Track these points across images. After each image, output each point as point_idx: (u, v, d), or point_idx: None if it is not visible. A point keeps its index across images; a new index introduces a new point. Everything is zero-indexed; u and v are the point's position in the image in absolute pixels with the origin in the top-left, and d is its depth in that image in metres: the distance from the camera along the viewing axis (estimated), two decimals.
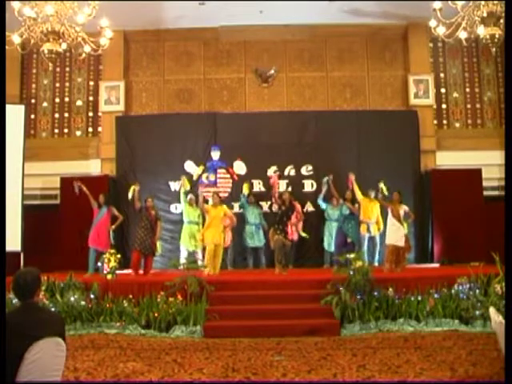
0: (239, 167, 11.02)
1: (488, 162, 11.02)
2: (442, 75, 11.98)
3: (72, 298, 7.19)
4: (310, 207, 10.93)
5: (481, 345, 5.90)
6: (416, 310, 7.00)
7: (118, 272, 8.31)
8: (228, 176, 11.01)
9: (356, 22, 11.48)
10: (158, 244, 9.61)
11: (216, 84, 12.00)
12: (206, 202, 9.56)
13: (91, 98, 12.00)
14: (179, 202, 10.37)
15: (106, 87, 11.68)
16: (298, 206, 10.12)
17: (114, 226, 9.68)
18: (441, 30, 7.23)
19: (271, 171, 10.94)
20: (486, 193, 10.97)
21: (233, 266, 10.46)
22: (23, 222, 10.11)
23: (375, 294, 7.11)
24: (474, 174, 10.92)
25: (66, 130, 11.94)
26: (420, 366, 5.04)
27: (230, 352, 5.83)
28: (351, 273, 7.27)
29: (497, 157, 10.78)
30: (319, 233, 10.53)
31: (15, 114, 10.19)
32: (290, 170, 11.07)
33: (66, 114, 11.98)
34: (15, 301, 6.35)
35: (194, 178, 10.87)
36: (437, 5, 6.92)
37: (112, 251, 8.46)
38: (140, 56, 12.14)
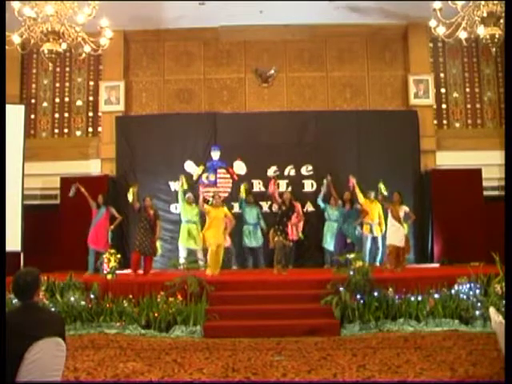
0: (239, 167, 11.02)
1: (488, 162, 11.01)
2: (442, 75, 11.98)
3: (72, 298, 7.20)
4: (309, 207, 10.92)
5: (481, 345, 5.91)
6: (416, 310, 7.01)
7: (117, 272, 8.32)
8: (228, 176, 11.00)
9: (356, 22, 11.48)
10: (158, 244, 9.61)
11: (216, 84, 12.00)
12: (207, 202, 9.55)
13: (91, 98, 11.99)
14: (178, 201, 10.37)
15: (106, 87, 11.67)
16: (299, 207, 10.11)
17: (112, 226, 9.69)
18: (441, 30, 7.23)
19: (271, 171, 10.95)
20: (486, 193, 10.97)
21: (232, 266, 10.45)
22: (23, 222, 10.11)
23: (375, 294, 7.11)
24: (474, 174, 10.91)
25: (66, 130, 11.94)
26: (420, 366, 5.04)
27: (229, 352, 5.83)
28: (351, 273, 7.28)
29: (497, 157, 10.78)
30: (319, 233, 10.51)
31: (15, 114, 10.19)
32: (289, 170, 11.07)
33: (66, 114, 11.97)
34: (15, 301, 6.35)
35: (194, 178, 10.87)
36: (437, 5, 6.92)
37: (112, 251, 8.47)
38: (140, 56, 12.14)
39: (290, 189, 10.77)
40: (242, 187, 10.45)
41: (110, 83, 11.66)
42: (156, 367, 5.22)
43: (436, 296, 7.15)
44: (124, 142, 11.34)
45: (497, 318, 4.30)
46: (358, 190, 9.77)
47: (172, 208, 10.97)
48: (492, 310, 4.68)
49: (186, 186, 10.02)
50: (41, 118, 11.96)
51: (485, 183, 10.96)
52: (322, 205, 10.31)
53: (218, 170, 11.01)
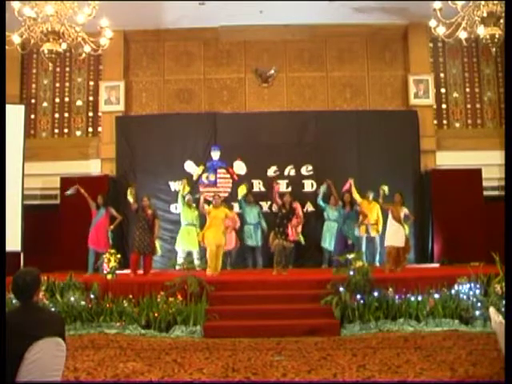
0: (239, 167, 11.02)
1: (488, 162, 11.02)
2: (442, 75, 11.98)
3: (72, 298, 7.19)
4: (310, 207, 10.93)
5: (481, 345, 5.91)
6: (416, 310, 7.00)
7: (117, 272, 8.32)
8: (228, 176, 11.00)
9: (356, 22, 11.48)
10: (158, 244, 9.61)
11: (216, 84, 12.00)
12: (207, 202, 9.56)
13: (91, 98, 12.00)
14: (178, 203, 10.37)
15: (106, 87, 11.68)
16: (299, 209, 10.12)
17: (112, 226, 9.69)
18: (441, 30, 7.23)
19: (271, 171, 10.97)
20: (486, 193, 10.97)
21: (232, 266, 10.44)
22: (23, 222, 10.11)
23: (375, 294, 7.11)
24: (474, 174, 10.92)
25: (66, 130, 11.94)
26: (420, 366, 5.04)
27: (230, 352, 5.83)
28: (351, 273, 7.28)
29: (497, 157, 10.78)
30: (319, 233, 10.51)
31: (15, 114, 10.19)
32: (289, 170, 11.08)
33: (66, 114, 11.97)
34: (15, 301, 6.35)
35: (194, 178, 10.87)
36: (437, 5, 6.92)
37: (112, 251, 8.47)
38: (140, 56, 12.14)
39: (290, 189, 10.78)
40: (240, 189, 10.44)
41: (110, 83, 11.66)
42: (156, 367, 5.22)
43: (436, 296, 7.14)
44: (124, 141, 11.35)
45: (497, 318, 4.30)
46: (354, 191, 9.75)
47: (172, 208, 10.97)
48: (492, 310, 4.68)
49: (187, 190, 10.03)
50: (41, 118, 11.96)
51: (485, 183, 10.96)
52: (322, 204, 10.30)
53: (218, 170, 11.01)
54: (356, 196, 9.77)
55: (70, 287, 7.45)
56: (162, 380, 4.83)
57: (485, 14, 6.66)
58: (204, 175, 10.93)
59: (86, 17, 6.96)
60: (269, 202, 10.77)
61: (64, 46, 7.14)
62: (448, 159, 11.34)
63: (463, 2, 6.88)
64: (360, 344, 6.10)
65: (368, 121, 11.24)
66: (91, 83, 12.04)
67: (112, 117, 11.53)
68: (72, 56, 11.63)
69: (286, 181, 10.97)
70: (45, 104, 11.99)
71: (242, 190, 10.40)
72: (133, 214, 9.50)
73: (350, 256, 7.61)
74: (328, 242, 10.19)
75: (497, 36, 6.69)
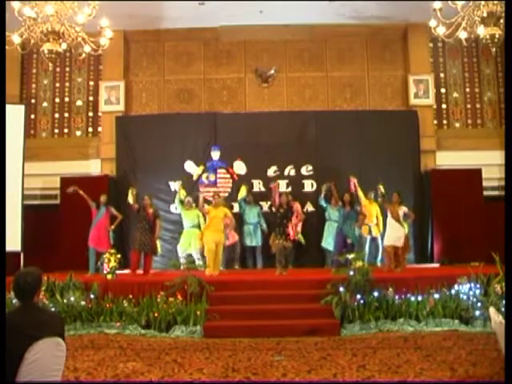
0: (239, 167, 11.02)
1: (488, 162, 11.02)
2: (442, 75, 11.99)
3: (72, 298, 7.19)
4: (310, 207, 10.93)
5: (481, 345, 5.90)
6: (416, 310, 7.00)
7: (118, 272, 8.32)
8: (228, 176, 11.00)
9: (356, 22, 11.49)
10: (158, 243, 9.60)
11: (216, 84, 12.00)
12: (207, 202, 9.56)
13: (91, 98, 12.00)
14: (177, 207, 10.39)
15: (106, 87, 11.68)
16: (298, 206, 10.12)
17: (113, 226, 9.70)
18: (441, 30, 7.22)
19: (271, 171, 10.97)
20: (486, 193, 10.97)
21: (231, 266, 10.43)
22: (23, 222, 10.11)
23: (375, 294, 7.11)
24: (474, 174, 10.92)
25: (66, 130, 11.94)
26: (420, 366, 5.04)
27: (230, 352, 5.83)
28: (351, 273, 7.28)
29: (497, 157, 10.78)
30: (319, 233, 10.52)
31: (15, 114, 10.19)
32: (289, 170, 11.08)
33: (66, 114, 11.98)
34: (15, 301, 6.35)
35: (194, 178, 10.87)
36: (437, 5, 6.92)
37: (112, 251, 8.47)
38: (140, 56, 12.14)
39: (289, 189, 10.78)
40: (241, 190, 10.44)
41: (110, 83, 11.66)
42: (156, 367, 5.22)
43: (436, 296, 7.14)
44: (124, 142, 11.35)
45: (497, 318, 4.30)
46: (359, 191, 9.77)
47: (172, 208, 10.95)
48: (492, 310, 4.69)
49: (183, 194, 10.01)
50: (41, 118, 11.96)
51: (485, 183, 10.97)
52: (324, 205, 10.30)
53: (218, 170, 11.01)
54: (361, 195, 9.76)
55: (70, 287, 7.45)
56: (162, 380, 4.83)
57: (485, 14, 6.66)
58: (204, 175, 10.93)
59: (86, 17, 6.95)
60: (269, 202, 10.74)
61: (64, 46, 7.13)
62: (448, 159, 11.34)
63: (463, 1, 6.88)
64: (360, 344, 6.10)
65: (368, 121, 11.25)
66: (91, 83, 12.05)
67: (112, 117, 11.53)
68: (72, 56, 11.64)
69: (286, 181, 10.97)
70: (45, 104, 11.99)
71: (241, 192, 10.42)
72: (133, 214, 9.50)
73: (350, 256, 7.61)
74: (329, 242, 10.19)
75: (497, 36, 6.69)
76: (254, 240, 10.46)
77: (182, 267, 8.10)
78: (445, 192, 10.76)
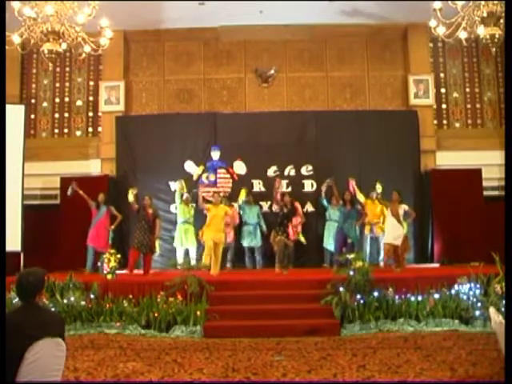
0: (239, 167, 11.02)
1: (488, 162, 11.01)
2: (442, 75, 11.98)
3: (72, 298, 7.19)
4: (310, 207, 10.92)
5: (481, 345, 5.91)
6: (416, 310, 7.01)
7: (117, 272, 8.31)
8: (228, 176, 10.98)
9: (356, 22, 11.48)
10: (157, 243, 9.61)
11: (216, 84, 12.00)
12: (207, 202, 9.56)
13: (91, 98, 12.00)
14: (175, 202, 10.41)
15: (106, 87, 11.67)
16: (300, 208, 10.13)
17: (113, 226, 9.70)
18: (441, 30, 7.22)
19: (271, 171, 10.97)
20: (486, 193, 10.97)
21: (232, 266, 10.44)
22: (23, 222, 10.11)
23: (375, 294, 7.11)
24: (474, 174, 10.91)
25: (66, 130, 11.94)
26: (420, 366, 5.04)
27: (230, 352, 5.83)
28: (351, 273, 7.28)
29: (497, 157, 10.77)
30: (319, 233, 10.52)
31: (15, 114, 10.18)
32: (289, 170, 11.07)
33: (66, 114, 11.97)
34: (15, 301, 6.36)
35: (194, 178, 10.86)
36: (437, 5, 6.92)
37: (112, 251, 8.47)
38: (140, 56, 12.14)
39: (290, 189, 10.78)
40: (242, 192, 10.44)
41: (110, 83, 11.65)
42: (156, 367, 5.22)
43: (436, 296, 7.14)
44: (124, 142, 11.35)
45: (497, 318, 4.30)
46: (358, 192, 9.78)
47: (172, 208, 10.94)
48: (492, 310, 4.69)
49: (184, 190, 10.08)
50: (41, 118, 11.96)
51: (485, 183, 10.96)
52: (325, 204, 10.30)
53: (218, 170, 10.99)
54: (360, 196, 9.78)
55: (70, 287, 7.45)
56: (162, 380, 4.84)
57: (485, 14, 6.66)
58: (204, 175, 10.92)
59: (86, 17, 6.95)
60: (269, 202, 10.76)
61: (64, 46, 7.13)
62: (448, 159, 11.34)
63: (463, 1, 6.88)
64: (360, 344, 6.10)
65: (368, 121, 11.24)
66: (91, 83, 12.04)
67: (112, 117, 11.53)
68: (72, 56, 11.63)
69: (286, 181, 10.96)
70: (45, 104, 11.99)
71: (241, 196, 10.44)
72: (134, 214, 9.51)
73: (350, 256, 7.61)
74: (330, 243, 10.18)
75: (497, 36, 6.69)
76: (253, 241, 10.45)
77: (179, 267, 8.10)
78: (445, 192, 10.75)
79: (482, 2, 6.67)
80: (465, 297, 7.11)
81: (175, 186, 10.60)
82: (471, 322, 6.90)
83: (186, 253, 9.93)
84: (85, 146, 11.66)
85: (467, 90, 11.97)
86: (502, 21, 6.61)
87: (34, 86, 12.04)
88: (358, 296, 7.04)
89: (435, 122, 11.77)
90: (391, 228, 8.99)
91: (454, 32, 7.17)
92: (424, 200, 11.12)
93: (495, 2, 6.59)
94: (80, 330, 6.94)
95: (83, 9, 6.97)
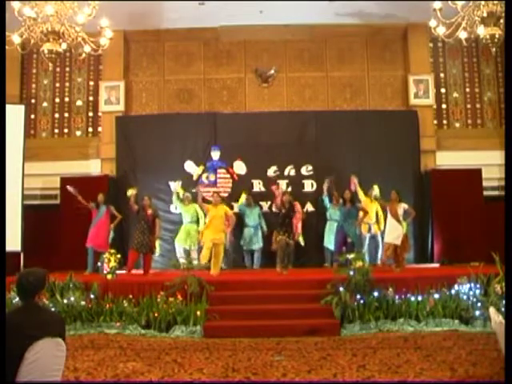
0: (239, 167, 11.02)
1: (488, 162, 11.01)
2: (442, 75, 11.98)
3: (72, 298, 7.19)
4: (310, 207, 10.92)
5: (481, 345, 5.91)
6: (416, 310, 7.01)
7: (117, 272, 8.31)
8: (228, 176, 11.00)
9: (356, 22, 11.48)
10: (158, 243, 9.61)
11: (216, 84, 12.00)
12: (207, 202, 9.56)
13: (91, 98, 11.99)
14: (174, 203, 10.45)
15: (106, 87, 11.67)
16: (299, 206, 10.12)
17: (113, 226, 9.69)
18: (441, 30, 7.23)
19: (271, 171, 10.97)
20: (486, 193, 10.96)
21: (231, 266, 10.43)
22: (23, 222, 10.10)
23: (375, 294, 7.11)
24: (474, 174, 10.91)
25: (66, 130, 11.94)
26: (420, 366, 5.04)
27: (230, 352, 5.83)
28: (351, 273, 7.28)
29: (497, 157, 10.77)
30: (319, 233, 10.51)
31: (15, 114, 10.18)
32: (289, 170, 11.07)
33: (66, 114, 11.97)
34: (15, 301, 6.37)
35: (194, 178, 10.87)
36: (437, 5, 6.92)
37: (112, 251, 8.47)
38: (140, 56, 12.13)
39: (290, 189, 10.77)
40: (242, 196, 10.45)
41: (110, 83, 11.65)
42: (156, 367, 5.23)
43: (436, 296, 7.15)
44: (124, 142, 11.34)
45: (497, 318, 4.30)
46: (359, 190, 9.80)
47: (172, 208, 10.95)
48: (492, 310, 4.69)
49: (181, 192, 10.14)
50: (41, 118, 11.96)
51: (485, 183, 10.96)
52: (327, 203, 10.30)
53: (218, 170, 11.01)
54: (361, 194, 9.80)
55: (70, 287, 7.45)
56: (162, 380, 4.84)
57: (485, 14, 6.66)
58: (204, 175, 10.93)
59: (86, 17, 6.96)
60: (269, 202, 10.76)
61: (64, 46, 7.14)
62: (448, 159, 11.33)
63: (463, 1, 6.88)
64: (360, 344, 6.11)
65: (368, 121, 11.24)
66: (91, 83, 12.04)
67: (112, 117, 11.53)
68: (72, 56, 11.63)
69: (286, 181, 10.96)
70: (45, 104, 11.98)
71: (241, 200, 10.46)
72: (133, 214, 9.50)
73: (350, 256, 7.61)
74: (330, 242, 10.18)
75: (497, 36, 6.69)
76: (255, 243, 10.41)
77: (181, 267, 8.09)
78: (445, 192, 10.75)
79: (482, 2, 6.67)
80: (465, 297, 7.11)
81: (174, 187, 10.61)
82: (471, 322, 6.91)
83: (186, 252, 9.91)
84: (85, 145, 11.66)
85: (467, 90, 11.97)
86: (502, 21, 6.61)
87: (34, 86, 12.04)
88: (358, 296, 7.04)
89: (435, 122, 11.76)
90: (391, 228, 9.00)
91: (454, 32, 7.17)
92: (424, 200, 11.12)
93: (495, 1, 6.59)
94: (80, 330, 6.94)
95: (83, 9, 6.97)
